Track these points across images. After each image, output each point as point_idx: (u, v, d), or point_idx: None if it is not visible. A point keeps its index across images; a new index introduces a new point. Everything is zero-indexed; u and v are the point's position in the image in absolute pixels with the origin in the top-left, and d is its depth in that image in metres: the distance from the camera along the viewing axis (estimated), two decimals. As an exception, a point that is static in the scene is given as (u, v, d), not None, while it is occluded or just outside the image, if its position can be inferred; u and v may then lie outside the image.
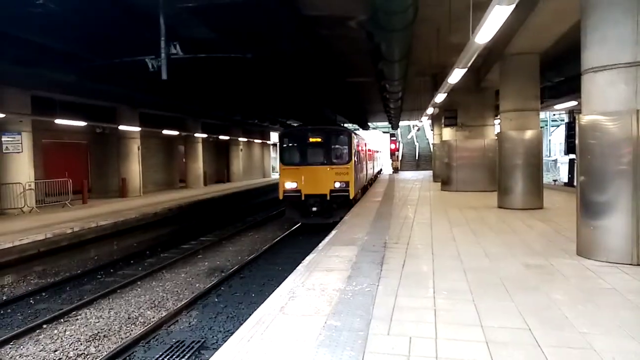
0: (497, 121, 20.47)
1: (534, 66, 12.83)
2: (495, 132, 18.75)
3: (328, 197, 14.60)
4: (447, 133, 21.18)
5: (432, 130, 33.00)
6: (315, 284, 5.98)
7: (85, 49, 12.98)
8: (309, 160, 14.94)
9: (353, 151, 15.09)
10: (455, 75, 11.06)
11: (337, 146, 15.14)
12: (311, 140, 15.04)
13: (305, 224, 15.57)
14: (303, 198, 14.69)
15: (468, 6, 8.87)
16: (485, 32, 7.13)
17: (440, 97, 14.81)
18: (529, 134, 12.66)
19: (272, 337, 4.30)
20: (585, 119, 6.88)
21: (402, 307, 4.99)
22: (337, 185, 14.63)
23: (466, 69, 10.21)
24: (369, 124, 47.80)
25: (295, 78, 18.27)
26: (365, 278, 6.13)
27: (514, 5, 5.90)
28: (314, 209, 14.72)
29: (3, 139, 16.32)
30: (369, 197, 17.86)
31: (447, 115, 20.28)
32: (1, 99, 15.90)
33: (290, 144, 15.47)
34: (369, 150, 24.50)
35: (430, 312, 4.81)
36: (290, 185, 14.77)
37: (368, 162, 23.10)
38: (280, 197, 14.99)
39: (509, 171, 12.88)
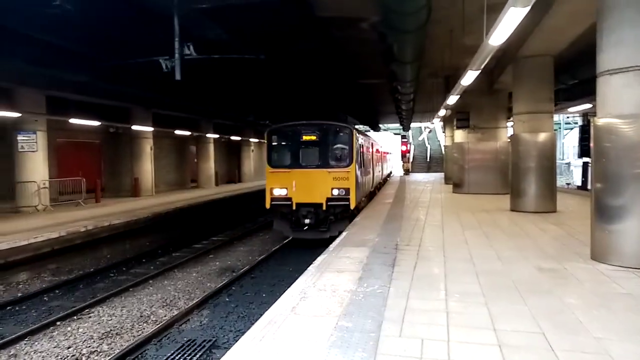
0: (510, 123, 20.41)
1: (548, 69, 12.72)
2: (508, 135, 18.63)
3: (324, 207, 12.37)
4: (459, 135, 21.07)
5: (444, 132, 32.83)
6: (327, 284, 5.99)
7: (100, 49, 13.15)
8: (301, 162, 12.74)
9: (356, 151, 12.82)
10: (469, 77, 11.02)
11: (335, 145, 12.88)
12: (304, 138, 12.77)
13: (296, 239, 13.35)
14: (294, 207, 12.52)
15: (481, 8, 8.84)
16: (499, 34, 7.10)
17: (452, 99, 14.75)
18: (542, 136, 12.55)
19: (283, 337, 4.31)
20: (600, 122, 6.81)
21: (413, 309, 4.98)
22: (336, 192, 12.37)
23: (479, 71, 10.17)
24: (380, 125, 47.72)
25: (308, 79, 18.33)
26: (377, 280, 6.13)
27: (529, 8, 5.87)
28: (307, 220, 12.47)
29: (19, 138, 16.55)
30: (380, 199, 17.82)
31: (460, 117, 20.19)
32: (17, 99, 16.14)
33: (279, 143, 13.16)
34: (377, 151, 22.40)
35: (442, 315, 4.80)
36: (279, 191, 12.62)
37: (376, 164, 20.97)
38: (267, 205, 12.81)
39: (522, 174, 12.78)
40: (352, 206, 12.39)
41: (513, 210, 12.98)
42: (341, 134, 12.88)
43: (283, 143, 13.11)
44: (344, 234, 9.96)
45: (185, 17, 10.13)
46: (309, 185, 12.44)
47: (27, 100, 16.37)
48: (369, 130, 42.34)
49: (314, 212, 12.46)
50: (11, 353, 6.72)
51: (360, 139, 14.10)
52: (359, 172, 13.31)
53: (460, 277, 6.25)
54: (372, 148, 18.81)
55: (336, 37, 13.59)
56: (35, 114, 16.58)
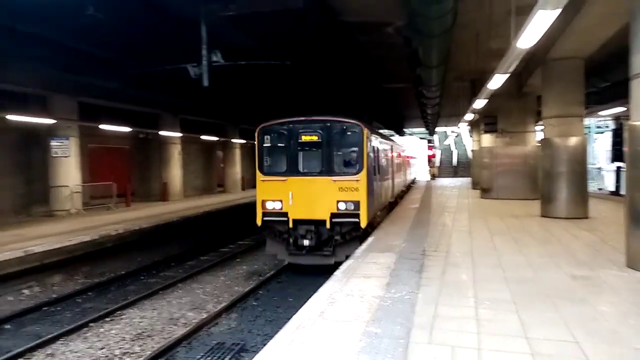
0: (539, 127, 20.03)
1: (578, 71, 12.45)
2: (537, 139, 18.28)
3: (328, 225, 10.21)
4: (487, 139, 20.79)
5: (471, 136, 32.42)
6: (354, 290, 6.00)
7: (129, 57, 13.51)
8: (300, 168, 10.59)
9: (368, 155, 10.58)
10: (496, 81, 10.90)
11: (342, 147, 10.60)
12: (304, 138, 10.54)
13: (293, 264, 11.03)
14: (291, 225, 10.41)
15: (509, 11, 8.76)
16: (528, 37, 7.01)
17: (480, 103, 14.59)
18: (573, 140, 12.29)
19: (312, 342, 4.34)
20: (635, 125, 6.64)
21: (443, 316, 4.94)
22: (342, 206, 10.18)
23: (508, 75, 10.04)
24: (405, 129, 47.46)
25: (333, 84, 18.40)
26: (404, 285, 6.10)
27: (559, 10, 5.79)
28: (307, 242, 10.29)
29: (52, 144, 17.09)
30: (405, 205, 17.71)
31: (487, 122, 19.92)
32: (51, 105, 16.69)
33: (272, 144, 10.88)
34: (399, 154, 20.20)
35: (472, 322, 4.75)
36: (272, 205, 10.54)
37: (398, 170, 18.77)
38: (259, 222, 10.75)
39: (552, 179, 12.53)
40: (364, 224, 10.15)
41: (543, 216, 12.72)
42: (349, 132, 10.54)
43: (277, 144, 10.81)
44: (369, 239, 9.92)
45: (212, 25, 10.32)
46: (309, 198, 10.32)
47: (61, 106, 16.91)
48: (393, 135, 42.08)
49: (315, 231, 10.28)
50: (48, 352, 6.95)
51: (375, 140, 12.00)
52: (372, 181, 11.13)
53: (490, 283, 6.17)
54: (392, 151, 16.65)
55: (361, 41, 13.62)
56: (68, 120, 17.10)
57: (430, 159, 41.95)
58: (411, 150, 33.19)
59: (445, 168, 48.35)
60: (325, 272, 7.98)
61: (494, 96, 13.80)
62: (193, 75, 10.98)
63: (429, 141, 44.86)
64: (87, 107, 18.35)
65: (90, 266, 12.16)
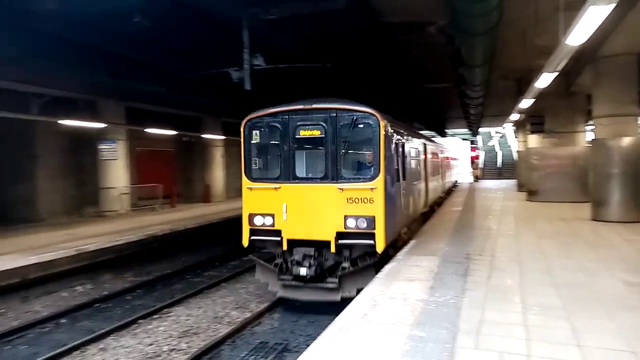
0: (589, 127, 19.27)
1: (631, 68, 11.90)
2: (587, 139, 17.59)
3: (333, 248, 7.84)
4: (533, 140, 20.16)
5: (517, 137, 31.53)
6: (397, 293, 5.96)
7: (173, 62, 13.92)
8: (297, 172, 8.30)
9: (387, 154, 8.16)
10: (544, 80, 10.58)
11: (353, 145, 8.13)
12: (302, 133, 8.25)
13: (286, 299, 8.59)
14: (285, 247, 8.15)
15: (557, 7, 8.49)
16: (578, 33, 6.78)
17: (526, 103, 14.18)
18: (626, 141, 11.75)
19: (356, 344, 4.35)
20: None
21: (489, 321, 4.84)
22: (352, 223, 7.77)
23: (556, 73, 9.73)
24: (447, 130, 46.63)
25: (373, 85, 18.31)
26: (449, 290, 6.01)
27: (613, 5, 5.57)
28: (304, 270, 7.83)
29: (101, 147, 17.84)
30: (448, 208, 17.41)
31: (534, 122, 19.32)
32: (100, 110, 17.44)
33: (262, 142, 8.73)
34: (436, 155, 17.68)
35: (520, 328, 4.63)
36: (261, 220, 8.33)
37: (434, 174, 16.22)
38: (245, 242, 8.62)
39: (604, 181, 12.02)
40: (381, 247, 7.66)
41: (594, 220, 12.21)
42: (361, 125, 8.05)
43: (268, 142, 8.71)
44: (411, 242, 9.79)
45: (253, 29, 10.49)
46: (309, 211, 8.03)
47: (109, 111, 17.64)
48: (435, 136, 41.43)
49: (315, 256, 7.93)
50: (100, 347, 7.25)
51: (398, 136, 9.45)
52: (395, 188, 8.81)
53: (538, 289, 5.99)
54: (426, 151, 14.25)
55: (401, 41, 13.49)
56: (116, 124, 17.80)
57: (473, 160, 41.00)
58: (452, 151, 32.17)
59: (489, 170, 47.12)
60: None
61: (541, 95, 13.39)
62: (235, 79, 11.18)
63: (472, 142, 43.82)
64: (133, 112, 19.02)
65: (138, 265, 12.59)
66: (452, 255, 8.17)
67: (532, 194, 18.96)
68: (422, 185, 12.96)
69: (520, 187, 24.19)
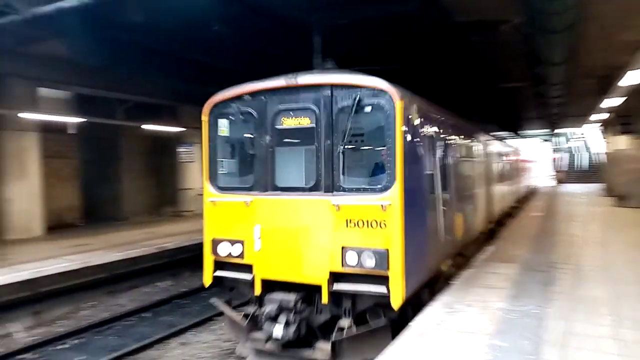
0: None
1: None
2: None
3: (325, 296, 5.33)
4: (622, 141, 18.76)
5: (604, 138, 29.50)
6: (475, 300, 5.76)
7: (247, 66, 14.35)
8: (277, 180, 5.85)
9: (408, 150, 5.42)
10: (632, 77, 9.81)
11: (355, 137, 5.55)
12: (285, 123, 5.86)
13: None
14: (258, 291, 5.74)
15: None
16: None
17: (613, 101, 13.23)
18: None
19: (434, 350, 4.25)
20: None
21: (576, 334, 4.56)
22: (353, 259, 5.23)
23: (649, 69, 9.01)
24: (524, 131, 44.51)
25: (445, 86, 17.90)
26: (530, 299, 5.72)
27: None
28: (278, 329, 5.28)
29: (179, 150, 18.81)
30: (527, 212, 16.58)
31: (623, 122, 17.99)
32: (179, 115, 18.35)
33: (231, 136, 6.43)
34: (504, 156, 15.09)
35: (611, 342, 4.32)
36: (227, 249, 5.96)
37: (501, 180, 13.55)
38: (206, 281, 6.23)
39: None
40: (397, 300, 5.01)
41: (694, 228, 11.16)
42: (367, 107, 5.42)
43: (239, 135, 6.32)
44: (489, 248, 9.39)
45: (325, 34, 10.60)
46: (292, 238, 5.56)
47: (187, 115, 18.47)
48: (511, 137, 39.59)
49: (297, 307, 5.40)
50: (181, 341, 7.67)
51: (433, 126, 6.73)
52: (426, 204, 6.12)
53: (630, 301, 5.56)
54: (487, 151, 11.52)
55: (473, 41, 13.07)
56: (193, 128, 18.65)
57: (554, 162, 38.79)
58: (527, 152, 30.21)
59: (572, 173, 44.42)
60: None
61: (632, 94, 12.44)
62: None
63: (552, 143, 41.50)
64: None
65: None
66: (534, 263, 7.78)
67: (621, 199, 17.63)
68: (481, 196, 10.13)
69: (608, 192, 22.59)
